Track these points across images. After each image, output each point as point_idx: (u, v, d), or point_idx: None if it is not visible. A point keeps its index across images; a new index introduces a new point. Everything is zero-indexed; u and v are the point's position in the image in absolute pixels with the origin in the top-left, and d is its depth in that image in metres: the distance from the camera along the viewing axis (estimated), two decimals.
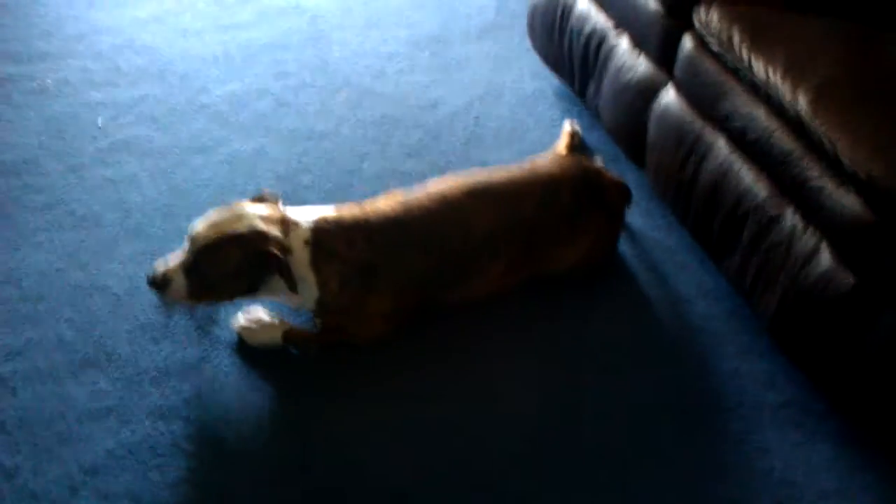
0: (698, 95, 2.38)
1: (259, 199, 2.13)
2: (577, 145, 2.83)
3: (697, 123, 2.39)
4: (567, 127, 2.86)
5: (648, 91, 2.58)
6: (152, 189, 2.68)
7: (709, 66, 2.32)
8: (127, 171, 2.74)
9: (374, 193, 2.31)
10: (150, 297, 2.28)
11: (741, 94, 2.22)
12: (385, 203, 2.19)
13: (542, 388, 2.17)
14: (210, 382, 2.13)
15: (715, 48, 2.28)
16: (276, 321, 2.20)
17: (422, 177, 2.48)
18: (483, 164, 2.75)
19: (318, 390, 2.13)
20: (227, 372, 2.15)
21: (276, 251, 1.98)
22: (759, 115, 2.16)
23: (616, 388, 2.17)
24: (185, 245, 2.00)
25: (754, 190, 2.20)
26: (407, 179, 2.62)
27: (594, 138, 2.91)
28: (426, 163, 2.82)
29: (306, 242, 2.06)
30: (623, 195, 2.43)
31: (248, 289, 2.06)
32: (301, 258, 2.05)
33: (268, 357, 2.19)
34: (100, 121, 2.93)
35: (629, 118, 2.68)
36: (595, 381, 2.19)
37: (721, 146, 2.31)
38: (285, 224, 2.05)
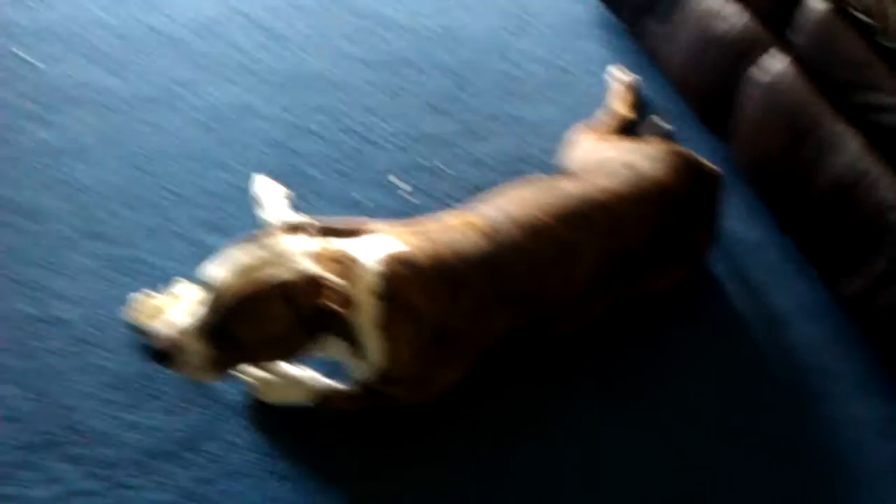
0: (827, 74, 1.87)
1: (294, 228, 1.56)
2: (637, 102, 2.30)
3: (821, 108, 1.89)
4: (621, 77, 2.31)
5: (745, 51, 2.07)
6: (106, 163, 2.06)
7: (849, 40, 1.81)
8: (70, 135, 2.10)
9: (397, 167, 2.01)
10: (123, 332, 1.74)
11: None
12: (464, 233, 1.64)
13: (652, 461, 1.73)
14: (216, 466, 1.62)
15: (863, 18, 1.75)
16: (305, 377, 1.69)
17: (452, 143, 2.10)
18: (527, 124, 2.27)
19: (365, 474, 1.65)
20: (238, 447, 1.64)
21: (337, 307, 1.45)
22: None
23: (724, 449, 1.76)
24: (201, 297, 1.46)
25: None
26: (436, 147, 2.18)
27: (649, 88, 2.38)
28: (456, 122, 2.27)
29: (376, 294, 1.52)
30: (718, 187, 1.93)
31: (292, 354, 1.54)
32: (367, 315, 1.51)
33: (288, 417, 1.68)
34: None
35: (712, 77, 2.18)
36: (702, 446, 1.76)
37: (854, 144, 1.83)
38: (345, 265, 1.51)
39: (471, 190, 2.08)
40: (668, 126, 2.23)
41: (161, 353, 1.46)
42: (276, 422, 1.67)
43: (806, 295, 1.99)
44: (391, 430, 1.69)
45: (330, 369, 1.70)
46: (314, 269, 1.46)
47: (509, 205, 1.72)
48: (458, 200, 2.04)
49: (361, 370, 1.60)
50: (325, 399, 1.67)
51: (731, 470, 1.71)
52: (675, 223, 1.80)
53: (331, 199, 2.05)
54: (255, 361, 1.58)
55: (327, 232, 1.59)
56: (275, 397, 1.69)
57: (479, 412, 1.73)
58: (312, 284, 1.45)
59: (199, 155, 2.11)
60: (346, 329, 1.46)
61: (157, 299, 1.76)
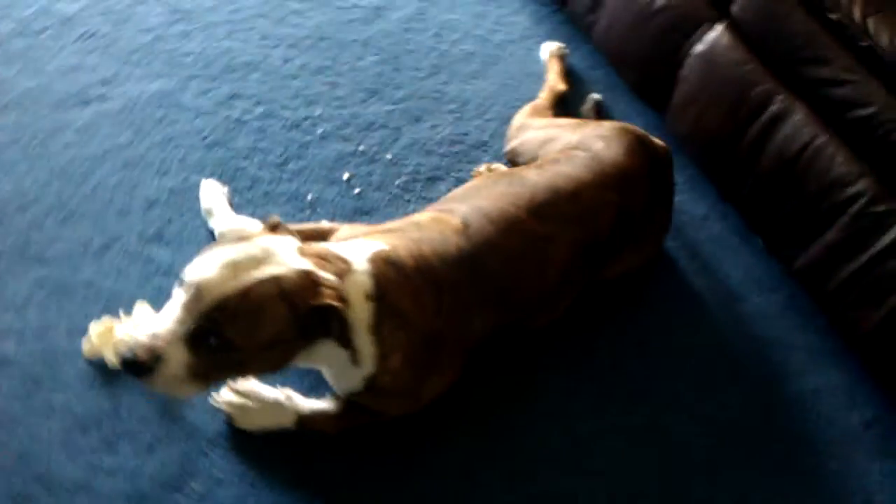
0: (772, 48, 1.90)
1: (272, 226, 1.45)
2: (568, 73, 2.28)
3: (767, 82, 1.92)
4: (551, 49, 2.29)
5: (685, 26, 2.07)
6: (31, 175, 1.91)
7: (794, 15, 1.83)
8: None
9: (342, 159, 1.91)
10: (80, 366, 1.62)
11: (844, 58, 1.76)
12: (440, 232, 1.59)
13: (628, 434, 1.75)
14: None
15: None
16: (282, 399, 1.62)
17: (394, 128, 2.08)
18: (463, 101, 2.22)
19: (354, 485, 1.60)
20: (223, 482, 1.56)
21: (337, 303, 1.35)
22: (873, 92, 1.72)
23: (684, 418, 1.79)
24: (180, 298, 1.32)
25: (852, 181, 1.80)
26: (379, 135, 2.12)
27: (580, 59, 2.36)
28: (394, 105, 2.19)
29: (368, 296, 1.44)
30: (670, 163, 1.93)
31: (284, 362, 1.43)
32: (360, 318, 1.43)
33: (269, 442, 1.61)
34: None
35: (651, 50, 2.18)
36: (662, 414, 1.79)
37: (802, 117, 1.87)
38: (334, 264, 1.41)
39: (417, 177, 2.04)
40: (599, 99, 2.22)
41: (138, 364, 1.29)
42: (259, 449, 1.60)
43: (756, 266, 2.02)
44: (373, 434, 1.64)
45: (306, 386, 1.65)
46: (308, 265, 1.36)
47: (479, 200, 1.67)
48: (409, 190, 2.00)
49: (349, 381, 1.52)
50: (307, 422, 1.61)
51: (697, 444, 1.74)
52: (637, 205, 1.79)
53: (278, 199, 1.95)
54: (243, 372, 1.45)
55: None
56: (254, 424, 1.61)
57: (459, 395, 1.70)
58: (309, 281, 1.35)
59: (133, 160, 1.97)
60: (344, 331, 1.36)
61: (114, 326, 1.64)
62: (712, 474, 1.70)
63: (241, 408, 1.60)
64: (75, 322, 1.67)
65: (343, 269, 1.42)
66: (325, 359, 1.47)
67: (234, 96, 2.13)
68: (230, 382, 1.60)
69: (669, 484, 1.69)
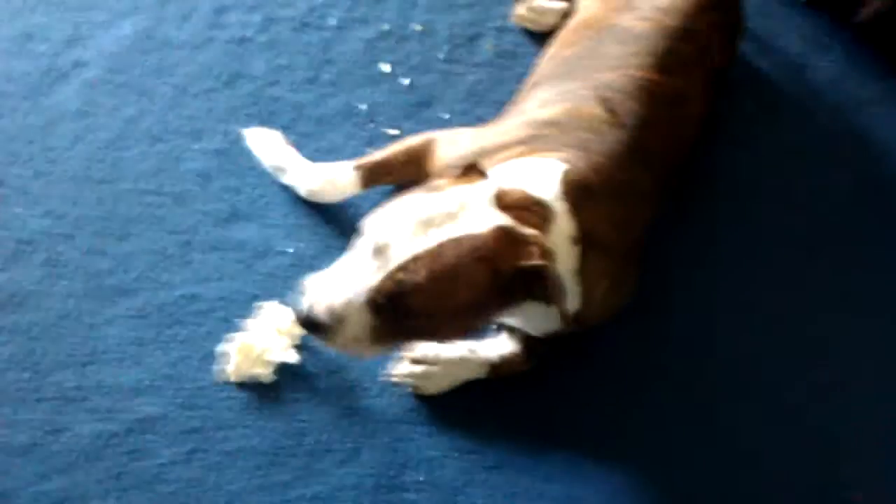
0: None
1: (465, 171, 1.26)
2: None
3: None
4: None
5: None
6: (49, 192, 1.59)
7: None
8: None
9: (376, 53, 1.76)
10: (234, 396, 1.44)
11: None
12: (590, 127, 1.40)
13: None
14: (434, 489, 1.41)
15: None
16: (465, 353, 1.46)
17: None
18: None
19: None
20: (442, 458, 1.43)
21: (543, 265, 1.19)
22: None
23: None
24: (362, 254, 1.18)
25: None
26: (394, 4, 1.84)
27: None
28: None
29: (573, 240, 1.28)
30: None
31: (479, 325, 1.30)
32: (566, 265, 1.28)
33: (466, 399, 1.48)
34: None
35: None
36: None
37: None
38: (531, 210, 1.25)
39: (456, 42, 1.82)
40: None
41: (317, 323, 1.18)
42: (458, 410, 1.47)
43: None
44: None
45: None
46: (506, 220, 1.20)
47: (596, 73, 1.48)
48: (456, 60, 1.81)
49: (549, 324, 1.38)
50: (498, 368, 1.48)
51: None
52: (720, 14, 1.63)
53: (333, 122, 1.70)
54: (431, 337, 1.31)
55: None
56: (443, 386, 1.47)
57: None
58: (509, 239, 1.19)
59: (155, 130, 1.65)
60: (552, 291, 1.21)
61: (248, 340, 1.45)
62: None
63: (424, 375, 1.46)
64: (200, 348, 1.46)
65: (545, 215, 1.25)
66: (523, 314, 1.32)
67: (219, 11, 1.78)
68: (405, 352, 1.46)
69: None
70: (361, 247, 1.19)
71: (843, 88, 1.86)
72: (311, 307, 1.18)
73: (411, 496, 1.40)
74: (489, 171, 1.29)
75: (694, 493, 1.45)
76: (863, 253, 1.69)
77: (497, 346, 1.48)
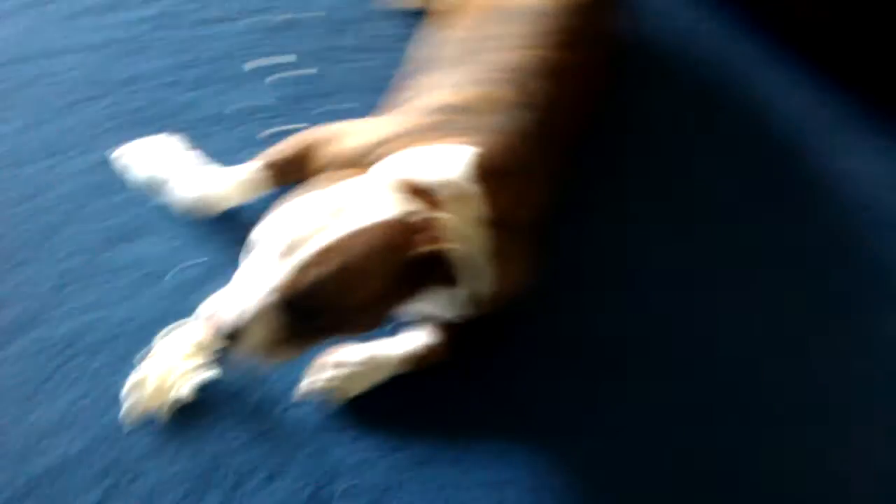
0: None
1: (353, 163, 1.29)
2: None
3: None
4: None
5: None
6: None
7: None
8: None
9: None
10: (146, 436, 1.39)
11: None
12: (505, 109, 1.41)
13: None
14: (366, 494, 1.39)
15: None
16: (382, 350, 1.45)
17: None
18: None
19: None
20: (368, 461, 1.42)
21: (441, 247, 1.19)
22: None
23: None
24: (260, 258, 1.16)
25: None
26: None
27: None
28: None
29: (482, 222, 1.28)
30: None
31: (386, 316, 1.27)
32: (477, 247, 1.28)
33: (383, 396, 1.47)
34: None
35: None
36: None
37: None
38: (441, 194, 1.25)
39: (329, 24, 1.79)
40: None
41: (227, 329, 1.15)
42: (378, 407, 1.46)
43: None
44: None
45: None
46: (410, 206, 1.20)
47: (499, 54, 1.49)
48: (338, 48, 1.75)
49: (463, 308, 1.38)
50: (418, 361, 1.47)
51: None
52: None
53: (224, 122, 1.64)
54: (341, 334, 1.28)
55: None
56: (361, 387, 1.45)
57: None
58: (412, 226, 1.19)
59: (34, 147, 1.56)
60: (452, 275, 1.22)
61: (158, 361, 1.40)
62: None
63: (345, 378, 1.44)
64: (110, 378, 1.40)
65: (450, 198, 1.25)
66: (435, 301, 1.32)
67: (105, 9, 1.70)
68: (322, 357, 1.43)
69: None
70: (264, 248, 1.17)
71: (729, 49, 1.93)
72: (219, 314, 1.16)
73: (345, 503, 1.40)
74: (396, 158, 1.29)
75: (617, 465, 1.48)
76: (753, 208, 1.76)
77: (415, 339, 1.48)
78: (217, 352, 1.41)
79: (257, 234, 1.18)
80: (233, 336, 1.15)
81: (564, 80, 1.49)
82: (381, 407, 1.46)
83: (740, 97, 1.87)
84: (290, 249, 1.14)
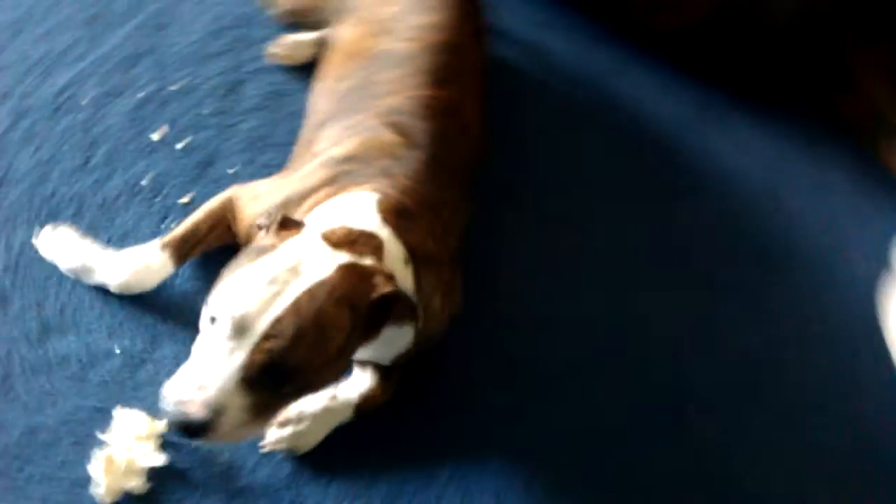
0: None
1: (284, 223, 1.26)
2: None
3: None
4: None
5: None
6: None
7: None
8: None
9: (140, 120, 1.71)
10: None
11: None
12: (391, 153, 1.46)
13: None
14: None
15: None
16: (328, 402, 1.46)
17: (148, 49, 1.80)
18: None
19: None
20: None
21: (395, 291, 1.23)
22: None
23: None
24: (219, 336, 1.14)
25: None
26: (143, 65, 1.80)
27: None
28: (127, 24, 1.80)
29: (405, 261, 1.33)
30: None
31: (345, 368, 1.30)
32: (404, 285, 1.32)
33: (334, 444, 1.48)
34: None
35: None
36: None
37: None
38: (368, 242, 1.28)
39: (218, 91, 1.81)
40: None
41: (195, 422, 1.12)
42: (335, 460, 1.48)
43: None
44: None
45: None
46: (346, 257, 1.23)
47: (378, 101, 1.54)
48: (225, 112, 1.78)
49: (399, 346, 1.42)
50: (363, 407, 1.49)
51: None
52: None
53: (119, 206, 1.61)
54: (308, 392, 1.27)
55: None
56: (314, 441, 1.47)
57: None
58: (355, 275, 1.21)
59: None
60: (413, 309, 1.28)
61: (107, 454, 1.36)
62: None
63: (295, 436, 1.45)
64: (62, 480, 1.35)
65: (374, 244, 1.29)
66: (378, 344, 1.34)
67: None
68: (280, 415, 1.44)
69: None
70: (214, 330, 1.15)
71: (578, 63, 2.05)
72: (183, 409, 1.12)
73: None
74: (306, 217, 1.32)
75: (565, 467, 1.55)
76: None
77: (356, 385, 1.50)
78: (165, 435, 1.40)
79: (209, 310, 1.17)
80: (203, 429, 1.12)
81: (444, 116, 1.56)
82: (336, 455, 1.48)
83: (610, 104, 2.01)
84: (247, 324, 1.13)
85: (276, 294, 1.15)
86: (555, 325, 1.69)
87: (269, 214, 1.28)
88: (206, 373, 1.13)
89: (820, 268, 1.88)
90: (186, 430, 1.13)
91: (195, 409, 1.12)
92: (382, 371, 1.51)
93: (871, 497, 1.61)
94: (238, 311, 1.13)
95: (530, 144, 1.91)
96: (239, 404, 1.14)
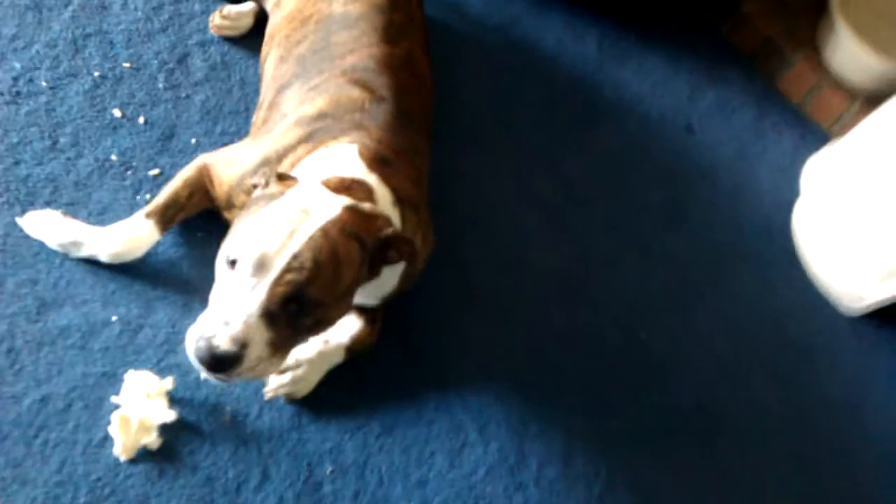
0: None
1: (280, 177, 1.36)
2: None
3: None
4: None
5: None
6: None
7: None
8: None
9: (99, 100, 1.75)
10: (135, 470, 1.46)
11: None
12: (361, 108, 1.57)
13: None
14: (347, 478, 1.54)
15: None
16: (321, 347, 1.58)
17: (93, 31, 1.84)
18: None
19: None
20: (337, 447, 1.56)
21: (398, 229, 1.39)
22: None
23: None
24: (241, 275, 1.24)
25: None
26: (91, 48, 1.84)
27: None
28: (65, 7, 1.84)
29: (394, 204, 1.45)
30: None
31: (351, 303, 1.40)
32: (398, 226, 1.46)
33: (332, 387, 1.61)
34: None
35: None
36: None
37: None
38: (361, 188, 1.41)
39: (168, 66, 1.87)
40: None
41: (223, 358, 1.21)
42: (332, 400, 1.60)
43: None
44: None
45: None
46: (348, 200, 1.34)
47: (340, 61, 1.65)
48: (177, 85, 1.85)
49: (386, 288, 1.55)
50: (353, 348, 1.62)
51: None
52: None
53: (94, 183, 1.67)
54: (323, 328, 1.36)
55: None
56: (310, 385, 1.58)
57: None
58: (360, 215, 1.33)
59: None
60: (408, 250, 1.39)
61: (120, 414, 1.45)
62: None
63: (294, 380, 1.56)
64: (77, 443, 1.43)
65: (367, 189, 1.42)
66: (373, 283, 1.46)
67: None
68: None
69: None
70: (235, 272, 1.25)
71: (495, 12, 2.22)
72: (212, 344, 1.21)
73: (329, 488, 1.52)
74: (304, 166, 1.43)
75: (537, 395, 1.73)
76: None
77: (345, 330, 1.62)
78: (171, 393, 1.49)
79: (227, 254, 1.26)
80: (231, 362, 1.22)
81: (400, 69, 1.68)
82: (333, 396, 1.61)
83: (533, 48, 2.19)
84: (267, 261, 1.23)
85: (292, 232, 1.25)
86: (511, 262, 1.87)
87: (264, 173, 1.38)
88: (230, 310, 1.22)
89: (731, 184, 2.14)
90: (215, 365, 1.21)
91: (223, 342, 1.21)
92: (368, 315, 1.63)
93: (808, 384, 1.88)
94: (259, 250, 1.23)
95: (463, 90, 2.07)
96: (262, 338, 1.23)
